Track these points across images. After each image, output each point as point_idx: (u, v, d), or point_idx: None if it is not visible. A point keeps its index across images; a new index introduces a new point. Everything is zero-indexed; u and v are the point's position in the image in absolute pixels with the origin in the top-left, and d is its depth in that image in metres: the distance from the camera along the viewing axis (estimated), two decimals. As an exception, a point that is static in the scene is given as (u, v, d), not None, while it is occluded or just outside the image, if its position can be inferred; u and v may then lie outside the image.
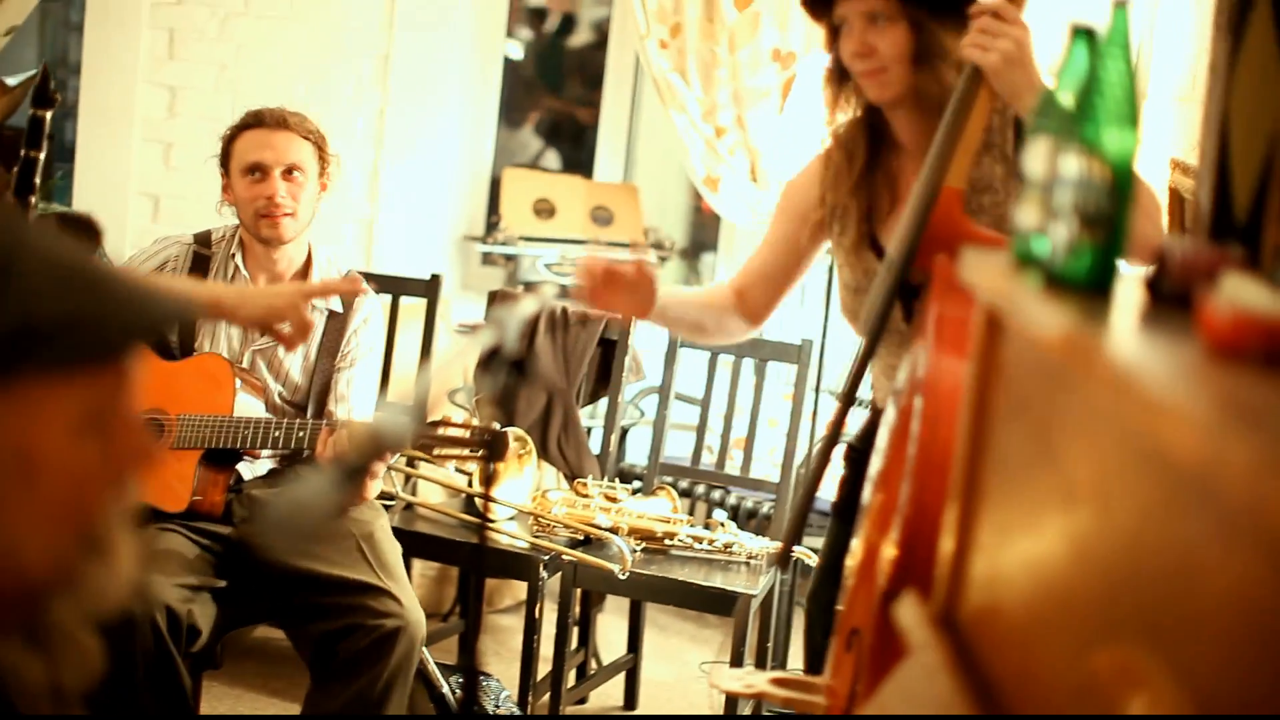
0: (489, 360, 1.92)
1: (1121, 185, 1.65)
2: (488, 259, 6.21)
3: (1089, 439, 1.53)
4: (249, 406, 3.78)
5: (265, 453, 3.82)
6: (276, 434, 3.64)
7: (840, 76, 3.03)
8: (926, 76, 2.91)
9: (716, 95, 5.59)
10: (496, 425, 3.64)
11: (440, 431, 3.55)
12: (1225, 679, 1.19)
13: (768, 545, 4.20)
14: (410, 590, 3.73)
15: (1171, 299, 1.60)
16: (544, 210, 6.25)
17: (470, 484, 4.33)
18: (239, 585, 3.69)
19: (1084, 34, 1.78)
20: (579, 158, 6.83)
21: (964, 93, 2.76)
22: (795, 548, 4.03)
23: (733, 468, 4.83)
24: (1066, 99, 1.72)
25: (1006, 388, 1.88)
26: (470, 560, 4.40)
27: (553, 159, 7.07)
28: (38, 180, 3.16)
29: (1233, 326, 1.37)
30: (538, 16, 7.11)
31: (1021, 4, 2.80)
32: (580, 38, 7.23)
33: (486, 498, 2.13)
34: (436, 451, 3.58)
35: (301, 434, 3.62)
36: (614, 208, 6.30)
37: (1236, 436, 1.11)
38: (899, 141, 3.05)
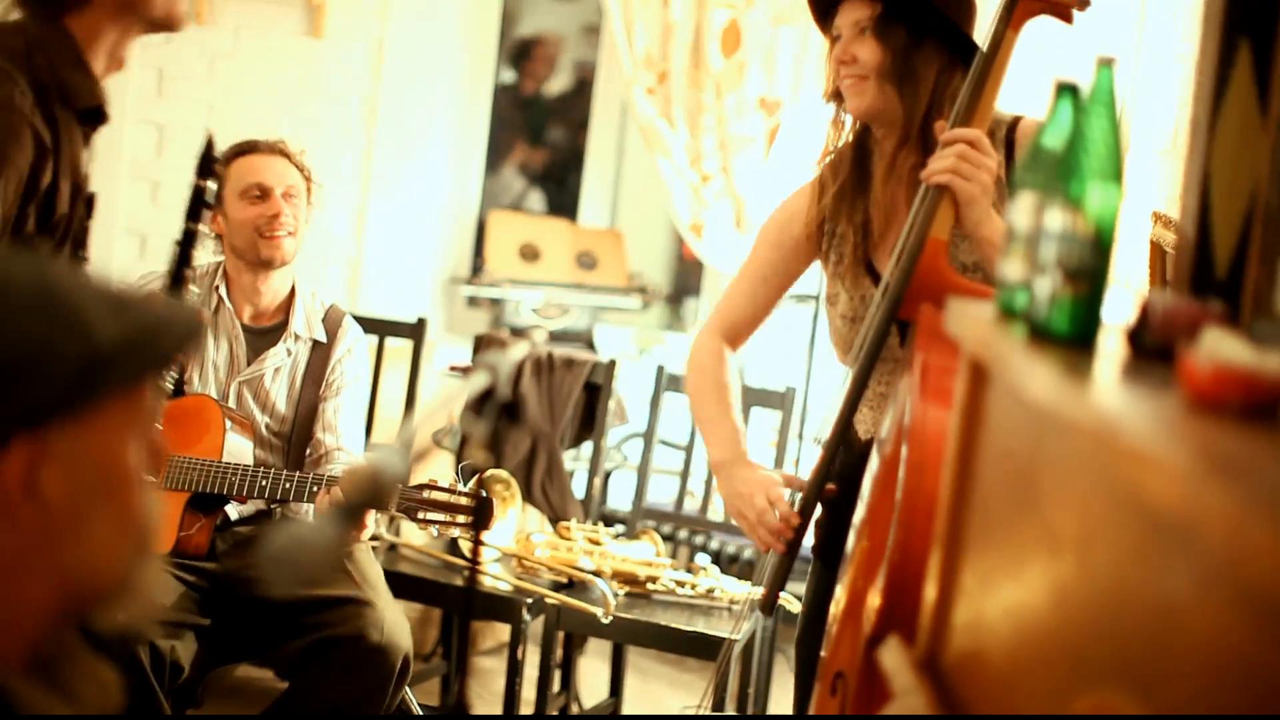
0: (480, 404, 1.95)
1: (1104, 240, 1.69)
2: (473, 302, 6.24)
3: (1071, 488, 1.56)
4: (238, 446, 3.80)
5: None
6: (263, 483, 3.66)
7: (836, 90, 3.09)
8: (901, 95, 2.96)
9: (703, 142, 5.64)
10: (483, 493, 3.66)
11: (426, 494, 3.59)
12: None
13: (750, 590, 4.22)
14: (393, 604, 3.76)
15: (1153, 352, 1.63)
16: (529, 254, 6.28)
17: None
18: (222, 623, 3.71)
19: (1069, 90, 1.82)
20: (563, 200, 6.87)
21: (926, 206, 2.83)
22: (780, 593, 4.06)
23: (715, 513, 4.85)
24: (1051, 154, 1.76)
25: (990, 437, 1.91)
26: (455, 602, 4.41)
27: (536, 200, 7.11)
28: (196, 252, 3.11)
29: (1213, 380, 1.40)
30: (522, 56, 7.14)
31: (1004, 59, 2.86)
32: (562, 80, 7.28)
33: (476, 548, 2.13)
34: (421, 515, 3.61)
35: (289, 485, 3.64)
36: (599, 252, 6.34)
37: (1217, 488, 1.14)
38: (885, 162, 3.10)
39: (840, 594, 2.90)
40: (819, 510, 3.12)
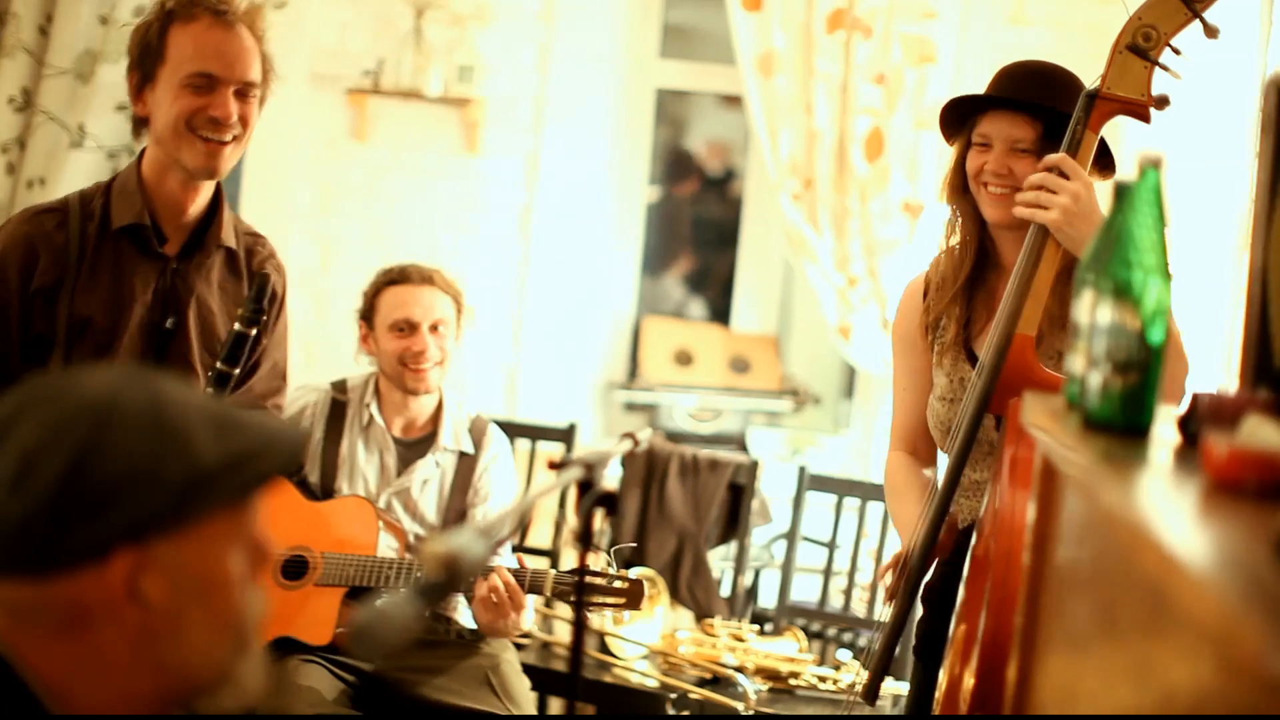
0: (582, 494, 2.08)
1: (1151, 333, 1.77)
2: (629, 406, 6.38)
3: (1118, 572, 1.64)
4: (389, 547, 3.96)
5: None
6: (418, 574, 3.80)
7: (962, 188, 3.18)
8: None
9: (848, 246, 5.74)
10: (634, 576, 3.75)
11: (583, 579, 3.70)
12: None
13: (891, 685, 4.27)
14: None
15: (1198, 439, 1.71)
16: (683, 359, 6.42)
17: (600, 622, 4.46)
18: (373, 717, 3.85)
19: (1118, 188, 1.91)
20: (722, 306, 7.00)
21: (1031, 245, 2.92)
22: (891, 683, 4.11)
23: (859, 609, 4.92)
24: (1104, 251, 1.85)
25: (1062, 524, 1.98)
26: (604, 699, 4.53)
27: (697, 307, 7.24)
28: (227, 394, 3.10)
29: (1228, 462, 1.48)
30: (679, 166, 7.31)
31: (1084, 159, 2.95)
32: (718, 188, 7.43)
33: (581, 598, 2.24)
34: (573, 599, 3.72)
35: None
36: (752, 357, 6.46)
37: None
38: (1000, 262, 3.19)
39: (942, 678, 2.97)
40: (920, 610, 3.19)
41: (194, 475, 1.55)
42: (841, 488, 4.88)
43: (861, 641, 5.13)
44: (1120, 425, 1.77)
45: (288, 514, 3.89)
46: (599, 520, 2.06)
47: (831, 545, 4.86)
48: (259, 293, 3.08)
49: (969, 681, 2.60)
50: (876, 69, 5.68)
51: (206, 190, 3.13)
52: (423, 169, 6.14)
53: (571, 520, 4.93)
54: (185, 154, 3.02)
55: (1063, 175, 2.90)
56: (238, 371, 3.08)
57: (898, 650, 3.20)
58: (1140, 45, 2.92)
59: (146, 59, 3.03)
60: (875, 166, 5.70)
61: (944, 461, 3.11)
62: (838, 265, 5.77)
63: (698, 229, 7.41)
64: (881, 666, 3.11)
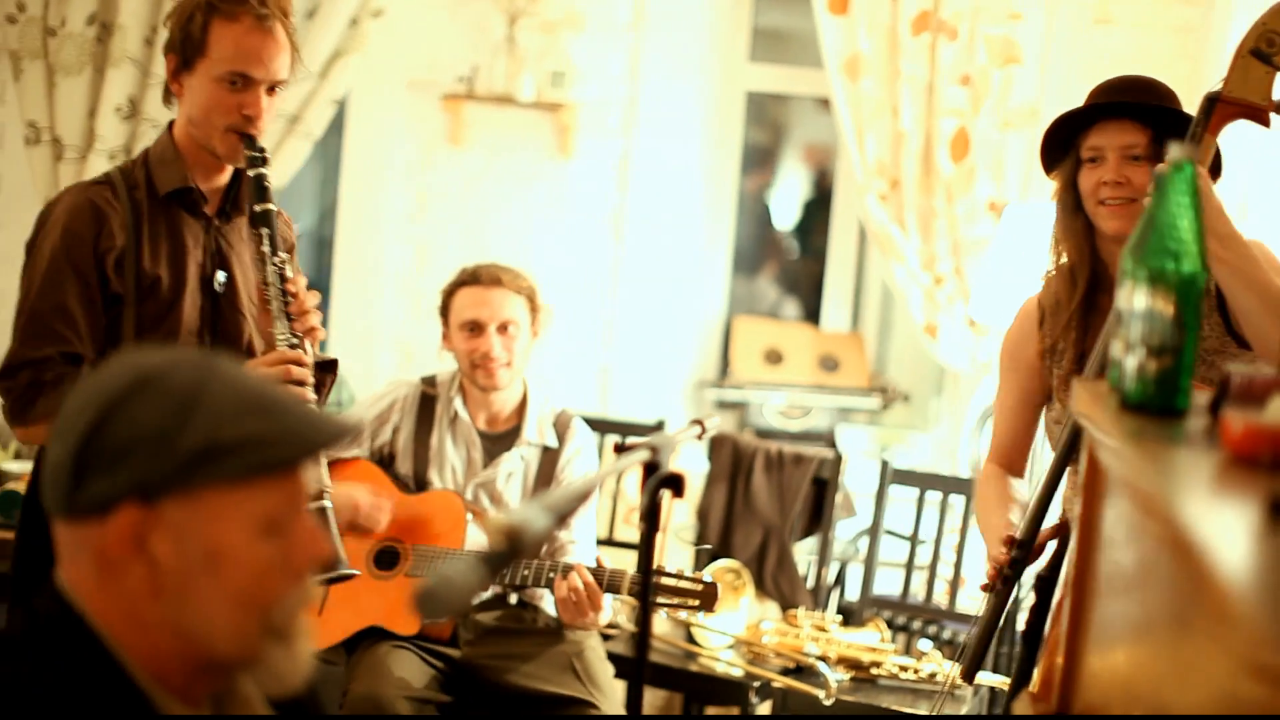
0: (647, 477, 2.17)
1: (1185, 318, 1.85)
2: (720, 404, 6.48)
3: (1152, 549, 1.71)
4: (479, 538, 4.08)
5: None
6: (505, 570, 3.91)
7: (1075, 206, 3.23)
8: None
9: (935, 246, 5.80)
10: (709, 578, 3.84)
11: (659, 580, 3.80)
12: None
13: (952, 669, 4.32)
14: (618, 704, 3.97)
15: (1229, 419, 1.79)
16: (773, 357, 6.51)
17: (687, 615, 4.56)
18: (462, 702, 3.97)
19: (1156, 180, 1.99)
20: (814, 306, 7.07)
21: None
22: (995, 676, 4.18)
23: (940, 600, 4.98)
24: (1140, 240, 1.93)
25: (1107, 506, 2.06)
26: (692, 687, 4.62)
27: (791, 308, 7.31)
28: (279, 239, 3.26)
29: (1244, 436, 1.56)
30: (767, 161, 7.38)
31: (1203, 161, 2.99)
32: (809, 188, 7.49)
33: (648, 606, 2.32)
34: (653, 599, 3.82)
35: (527, 572, 3.88)
36: (840, 355, 6.53)
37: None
38: (1115, 280, 3.23)
39: (1036, 676, 3.03)
40: (1032, 597, 3.25)
41: (208, 446, 1.66)
42: (923, 481, 4.95)
43: (946, 634, 5.20)
44: (1155, 406, 1.85)
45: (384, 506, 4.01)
46: (666, 501, 2.16)
47: (914, 539, 4.93)
48: (249, 139, 3.22)
49: (1056, 683, 2.67)
50: (961, 70, 5.74)
51: (225, 163, 3.31)
52: (516, 173, 6.27)
53: (636, 500, 5.03)
54: (216, 142, 3.22)
55: None
56: (272, 206, 3.23)
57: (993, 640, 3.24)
58: (1264, 50, 2.96)
59: (187, 47, 3.18)
60: (961, 167, 5.76)
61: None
62: (924, 265, 5.83)
63: (793, 229, 7.49)
64: (982, 646, 3.17)
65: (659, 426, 5.15)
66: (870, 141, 5.83)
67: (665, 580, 3.81)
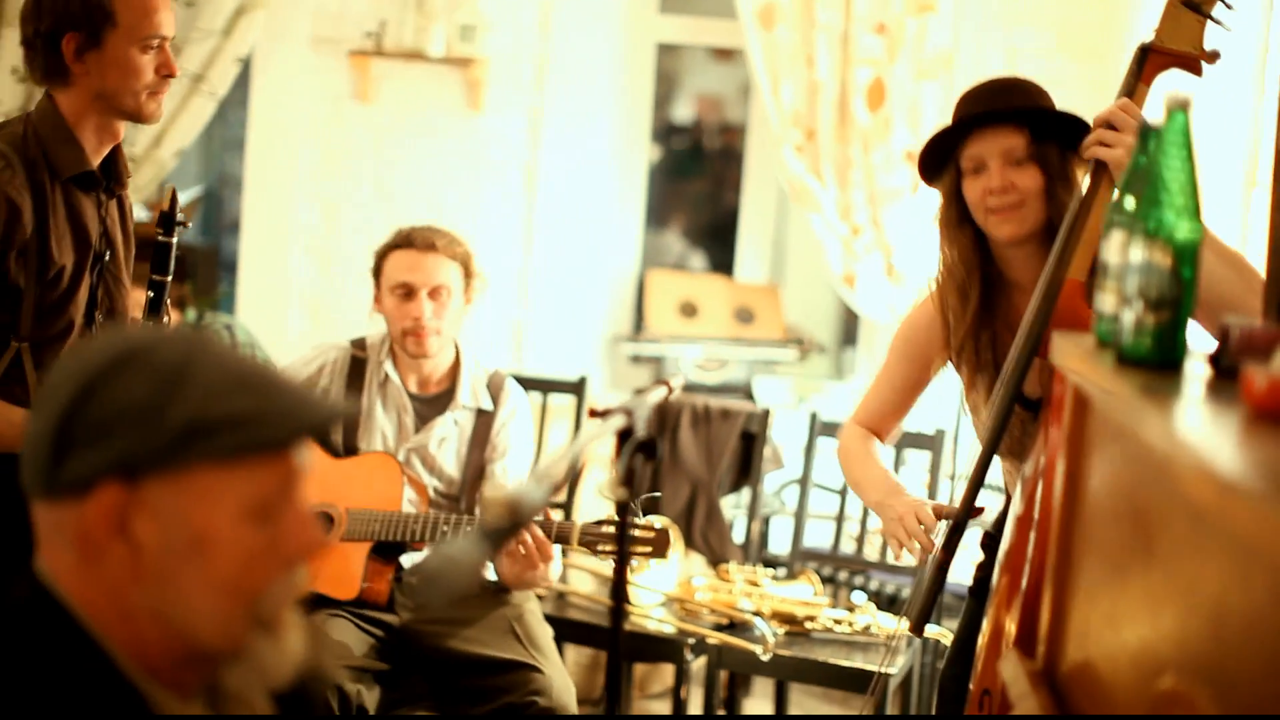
0: (621, 442, 2.12)
1: (1183, 271, 1.82)
2: (635, 359, 6.44)
3: (1157, 503, 1.69)
4: (410, 501, 4.01)
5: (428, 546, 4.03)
6: (445, 529, 3.84)
7: (960, 218, 3.18)
8: (1055, 208, 3.07)
9: (852, 196, 5.78)
10: (658, 523, 3.79)
11: (606, 529, 3.74)
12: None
13: (899, 622, 4.33)
14: (561, 667, 3.92)
15: (1230, 373, 1.76)
16: (688, 310, 6.47)
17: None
18: (401, 669, 3.91)
19: (1146, 130, 1.96)
20: (724, 258, 7.05)
21: (1090, 190, 2.94)
22: (934, 627, 4.18)
23: (871, 553, 4.97)
24: (1134, 193, 1.90)
25: (1093, 460, 2.04)
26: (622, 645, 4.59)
27: (698, 260, 7.28)
28: (167, 302, 3.35)
29: (1268, 392, 1.53)
30: (660, 113, 7.35)
31: (1140, 102, 2.98)
32: (718, 140, 7.47)
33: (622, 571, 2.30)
34: (601, 548, 3.77)
35: (470, 530, 3.80)
36: (756, 307, 6.51)
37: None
38: (1012, 280, 3.20)
39: (985, 625, 3.03)
40: (981, 555, 3.25)
41: (194, 423, 1.57)
42: (852, 434, 4.93)
43: (873, 585, 5.20)
44: (1155, 361, 1.82)
45: (312, 471, 3.92)
46: (640, 467, 2.11)
47: (844, 491, 4.92)
48: (173, 203, 3.33)
49: (1012, 625, 2.66)
50: (876, 19, 5.72)
51: (120, 134, 3.30)
52: (427, 129, 6.18)
53: (611, 468, 4.98)
54: (147, 108, 3.21)
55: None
56: (169, 279, 3.32)
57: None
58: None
59: (93, 22, 3.14)
60: (877, 116, 5.74)
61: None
62: (841, 215, 5.81)
63: (701, 182, 7.46)
64: (931, 600, 3.17)
65: (581, 383, 5.09)
66: (786, 91, 5.80)
67: (615, 530, 3.75)
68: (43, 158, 3.18)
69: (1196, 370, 1.83)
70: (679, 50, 7.08)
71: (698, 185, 7.50)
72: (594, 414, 2.14)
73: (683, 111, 7.38)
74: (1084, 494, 2.07)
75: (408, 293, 4.05)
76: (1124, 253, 1.90)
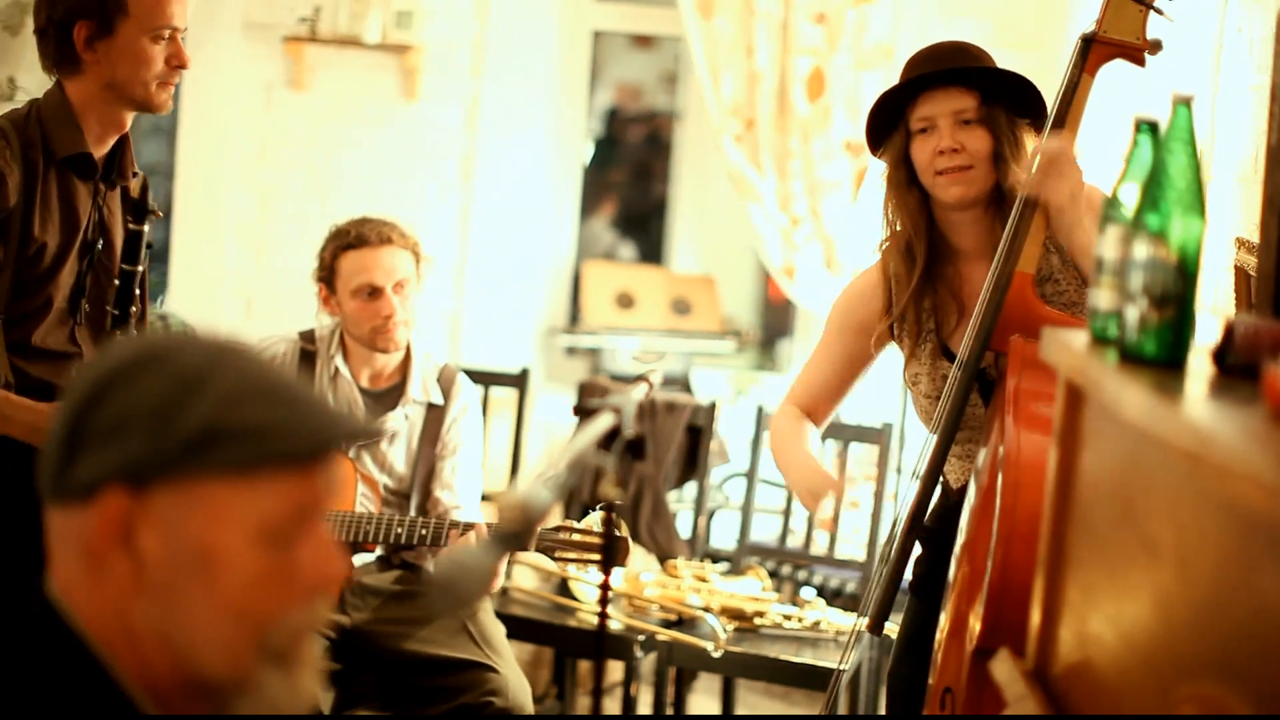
0: (608, 442, 2.08)
1: (1188, 268, 1.80)
2: (571, 351, 6.39)
3: (1167, 500, 1.67)
4: (364, 500, 3.95)
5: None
6: (399, 530, 3.77)
7: (908, 181, 3.15)
8: (1003, 172, 3.05)
9: (791, 186, 5.76)
10: (617, 531, 3.74)
11: (563, 535, 3.70)
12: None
13: (856, 620, 4.32)
14: (515, 666, 3.87)
15: (1237, 370, 1.74)
16: (625, 302, 6.43)
17: (562, 567, 4.46)
18: (353, 670, 3.85)
19: (1148, 127, 1.94)
20: (651, 248, 7.02)
21: (1023, 215, 2.96)
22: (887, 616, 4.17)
23: (818, 548, 4.95)
24: (1134, 189, 1.88)
25: (1088, 457, 2.01)
26: (566, 642, 4.55)
27: (627, 250, 7.25)
28: (137, 292, 3.33)
29: (1293, 393, 1.51)
30: (608, 111, 7.31)
31: (1080, 102, 2.99)
32: (641, 130, 7.43)
33: (606, 587, 2.27)
34: (558, 554, 3.73)
35: (424, 531, 3.75)
36: (692, 298, 6.48)
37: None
38: (957, 247, 3.18)
39: (944, 620, 3.01)
40: (918, 549, 3.23)
41: (209, 429, 1.48)
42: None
43: (817, 579, 5.18)
44: (1161, 358, 1.80)
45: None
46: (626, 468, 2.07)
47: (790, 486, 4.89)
48: (144, 190, 3.33)
49: (976, 618, 2.64)
50: (816, 8, 5.70)
51: (126, 124, 3.31)
52: (362, 117, 6.10)
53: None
54: (157, 98, 3.23)
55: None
56: (140, 269, 3.32)
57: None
58: None
59: (105, 10, 3.16)
60: (817, 106, 5.72)
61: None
62: (781, 205, 5.79)
63: (627, 172, 7.42)
64: (889, 598, 3.15)
65: (523, 376, 5.04)
66: (725, 81, 5.77)
67: (575, 536, 3.71)
68: (41, 139, 3.19)
69: (1200, 368, 1.81)
70: (600, 37, 7.03)
71: (619, 174, 7.46)
72: (579, 412, 2.10)
73: (602, 99, 7.33)
74: (1078, 491, 2.04)
75: (374, 292, 3.97)
76: (1123, 248, 1.88)
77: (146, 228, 3.33)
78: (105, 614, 1.51)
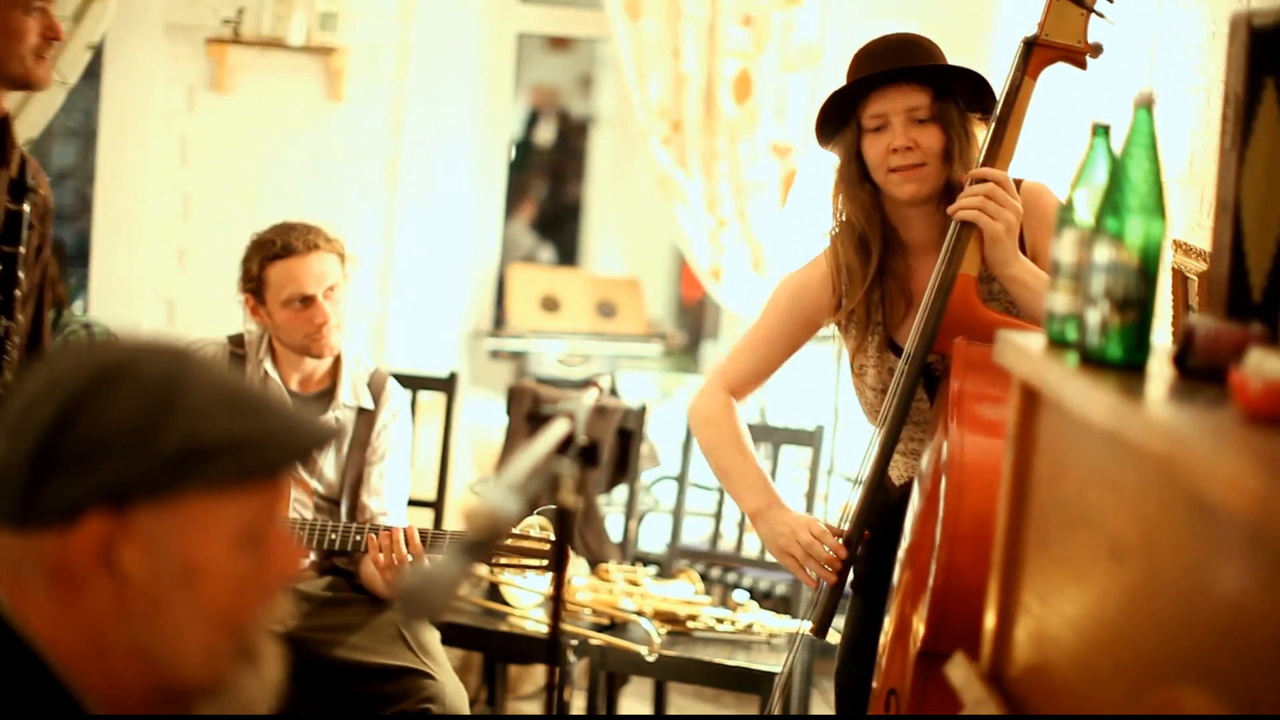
0: (563, 449, 2.06)
1: (1150, 270, 1.80)
2: (496, 354, 6.36)
3: (1132, 501, 1.67)
4: (299, 506, 3.91)
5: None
6: (333, 536, 3.73)
7: (860, 176, 3.15)
8: (955, 169, 3.05)
9: (718, 187, 5.76)
10: (553, 537, 3.71)
11: (506, 541, 3.66)
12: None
13: (789, 624, 4.32)
14: (452, 672, 3.84)
15: (1197, 373, 1.75)
16: (550, 305, 6.40)
17: (492, 573, 4.43)
18: (289, 676, 3.79)
19: (1103, 130, 1.94)
20: (568, 251, 7.01)
21: (957, 242, 2.97)
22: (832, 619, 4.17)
23: (749, 550, 4.95)
24: (1087, 193, 1.89)
25: (1043, 459, 2.02)
26: (496, 647, 4.51)
27: (547, 253, 7.24)
28: (20, 276, 3.22)
29: (1264, 395, 1.51)
30: (525, 113, 7.30)
31: (1022, 105, 3.01)
32: (551, 131, 7.43)
33: (559, 591, 2.25)
34: (500, 561, 3.69)
35: (359, 538, 3.72)
36: (617, 301, 6.46)
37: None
38: (907, 240, 3.18)
39: (888, 624, 3.01)
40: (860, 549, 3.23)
41: (190, 446, 1.47)
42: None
43: (747, 581, 5.18)
44: (1122, 361, 1.80)
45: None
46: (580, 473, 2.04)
47: (721, 489, 4.88)
48: (23, 168, 3.23)
49: (920, 620, 2.65)
50: (743, 11, 5.70)
51: (3, 105, 3.24)
52: (286, 119, 6.04)
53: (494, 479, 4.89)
54: (35, 72, 3.15)
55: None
56: (22, 250, 3.20)
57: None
58: None
59: None
60: (744, 108, 5.72)
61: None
62: (708, 207, 5.79)
63: (542, 174, 7.42)
64: (834, 602, 3.15)
65: (451, 379, 5.00)
66: (652, 82, 5.76)
67: (514, 543, 3.68)
68: None
69: (1160, 371, 1.81)
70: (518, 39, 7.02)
71: (535, 177, 7.45)
72: (532, 419, 2.08)
73: (518, 101, 7.31)
74: (1032, 493, 2.04)
75: (306, 300, 3.92)
76: (1080, 252, 1.88)
77: (26, 207, 3.23)
78: (70, 632, 1.48)
